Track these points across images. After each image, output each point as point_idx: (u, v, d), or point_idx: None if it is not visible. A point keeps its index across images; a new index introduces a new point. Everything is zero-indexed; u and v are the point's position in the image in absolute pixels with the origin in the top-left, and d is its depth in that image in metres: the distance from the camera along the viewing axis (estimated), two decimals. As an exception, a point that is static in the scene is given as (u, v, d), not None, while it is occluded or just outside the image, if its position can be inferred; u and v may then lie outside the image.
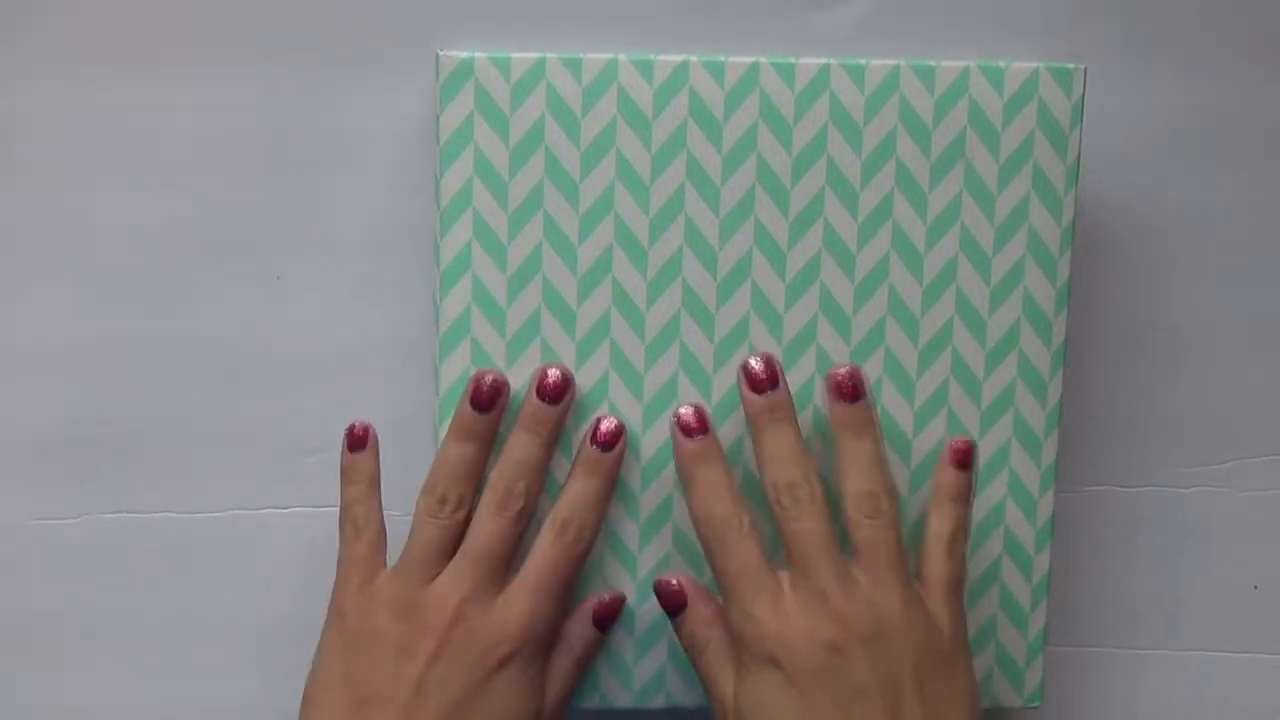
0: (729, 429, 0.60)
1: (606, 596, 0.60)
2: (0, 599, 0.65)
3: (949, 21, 0.64)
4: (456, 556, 0.57)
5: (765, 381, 0.57)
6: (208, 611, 0.65)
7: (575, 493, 0.58)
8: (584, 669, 0.60)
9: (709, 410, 0.59)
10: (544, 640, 0.57)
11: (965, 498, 0.59)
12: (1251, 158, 0.65)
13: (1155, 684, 0.68)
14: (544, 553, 0.58)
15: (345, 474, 0.60)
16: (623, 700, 0.62)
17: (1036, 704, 0.62)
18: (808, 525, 0.55)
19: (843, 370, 0.58)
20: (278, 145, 0.63)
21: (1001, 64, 0.60)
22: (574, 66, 0.59)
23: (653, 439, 0.60)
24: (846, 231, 0.60)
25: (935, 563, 0.58)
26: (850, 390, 0.58)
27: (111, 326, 0.64)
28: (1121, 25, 0.64)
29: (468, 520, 0.58)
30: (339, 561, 0.59)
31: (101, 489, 0.65)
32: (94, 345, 0.64)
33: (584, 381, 0.60)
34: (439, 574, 0.57)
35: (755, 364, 0.58)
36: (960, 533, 0.58)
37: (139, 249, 0.63)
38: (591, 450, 0.59)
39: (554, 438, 0.59)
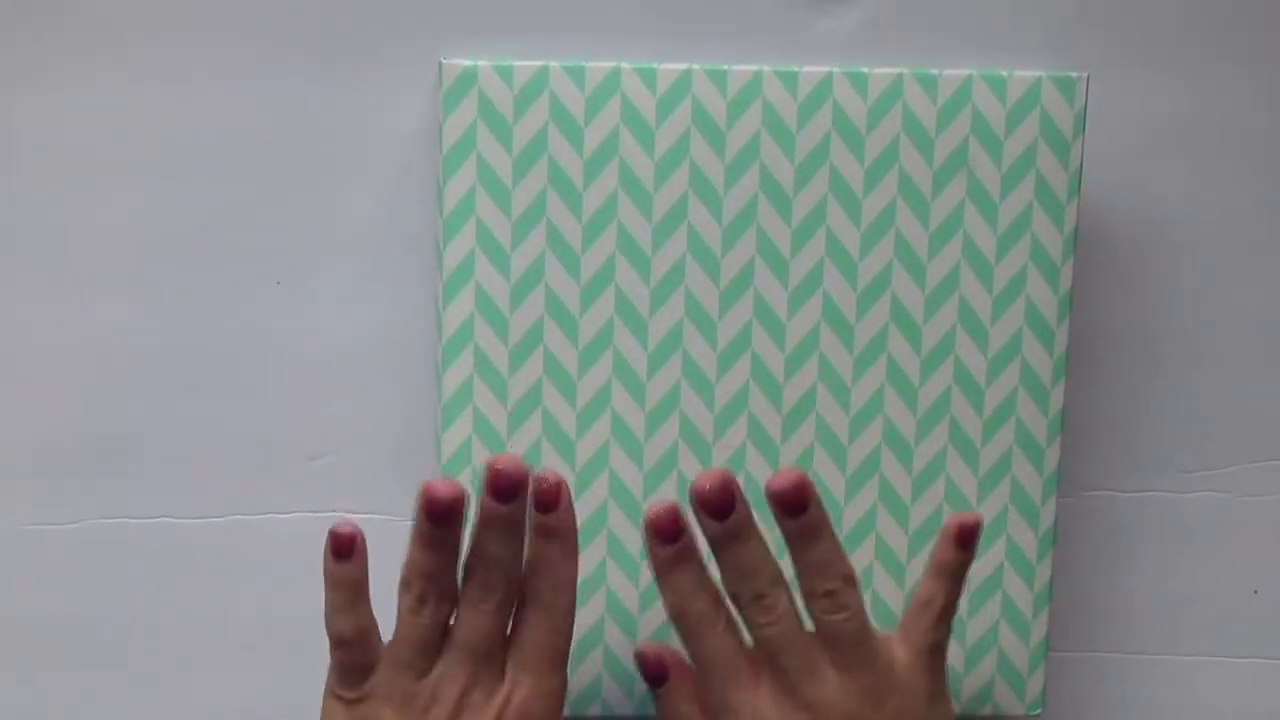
0: (732, 434, 0.60)
1: None
2: (0, 604, 0.65)
3: (951, 28, 0.64)
4: (448, 649, 0.55)
5: (720, 508, 0.54)
6: (208, 617, 0.65)
7: (540, 560, 0.55)
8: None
9: (680, 511, 0.54)
10: (555, 715, 0.56)
11: (963, 574, 0.57)
12: (1253, 165, 0.66)
13: (1155, 688, 0.68)
14: (534, 630, 0.55)
15: (329, 581, 0.56)
16: (624, 708, 0.62)
17: (1038, 711, 0.63)
18: (776, 630, 0.54)
19: (785, 483, 0.54)
20: (280, 152, 0.63)
21: (1004, 73, 0.60)
22: (577, 75, 0.59)
23: (655, 446, 0.60)
24: (849, 239, 0.60)
25: (920, 629, 0.56)
26: (797, 505, 0.54)
27: (111, 331, 0.64)
28: (1123, 34, 0.64)
29: (453, 605, 0.55)
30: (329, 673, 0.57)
31: (101, 494, 0.65)
32: (94, 350, 0.64)
33: (586, 388, 0.60)
34: (433, 667, 0.55)
35: (708, 487, 0.54)
36: (952, 606, 0.57)
37: (141, 255, 0.63)
38: (538, 516, 0.55)
39: (519, 525, 0.55)
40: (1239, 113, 0.65)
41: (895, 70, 0.59)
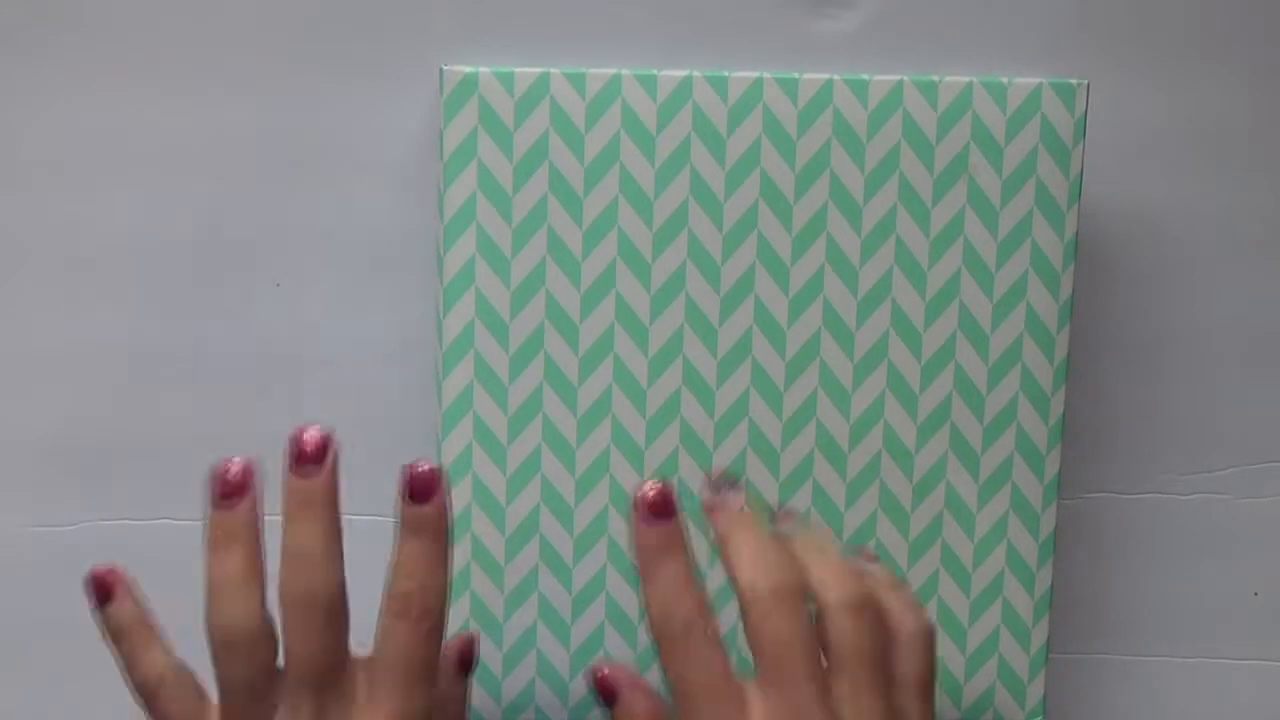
0: (733, 441, 0.60)
1: (457, 640, 0.55)
2: (0, 606, 0.65)
3: (951, 35, 0.64)
4: (284, 679, 0.49)
5: (729, 497, 0.51)
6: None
7: (404, 558, 0.50)
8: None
9: (675, 489, 0.50)
10: None
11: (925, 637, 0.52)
12: (1253, 170, 0.66)
13: (1155, 690, 0.68)
14: (395, 639, 0.49)
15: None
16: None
17: (1039, 718, 0.63)
18: (786, 626, 0.48)
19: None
20: (281, 156, 0.63)
21: (1004, 79, 0.60)
22: (578, 81, 0.59)
23: (655, 452, 0.60)
24: (849, 246, 0.60)
25: (911, 661, 0.51)
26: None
27: (111, 333, 0.64)
28: (1124, 40, 0.64)
29: (273, 637, 0.49)
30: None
31: (101, 496, 0.65)
32: (94, 351, 0.64)
33: (586, 395, 0.60)
34: (274, 712, 0.49)
35: (717, 484, 0.51)
36: (934, 633, 0.52)
37: (142, 257, 0.63)
38: (407, 508, 0.50)
39: (333, 511, 0.50)
40: (1240, 119, 0.65)
41: (895, 77, 0.59)
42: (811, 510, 0.61)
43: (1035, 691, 0.62)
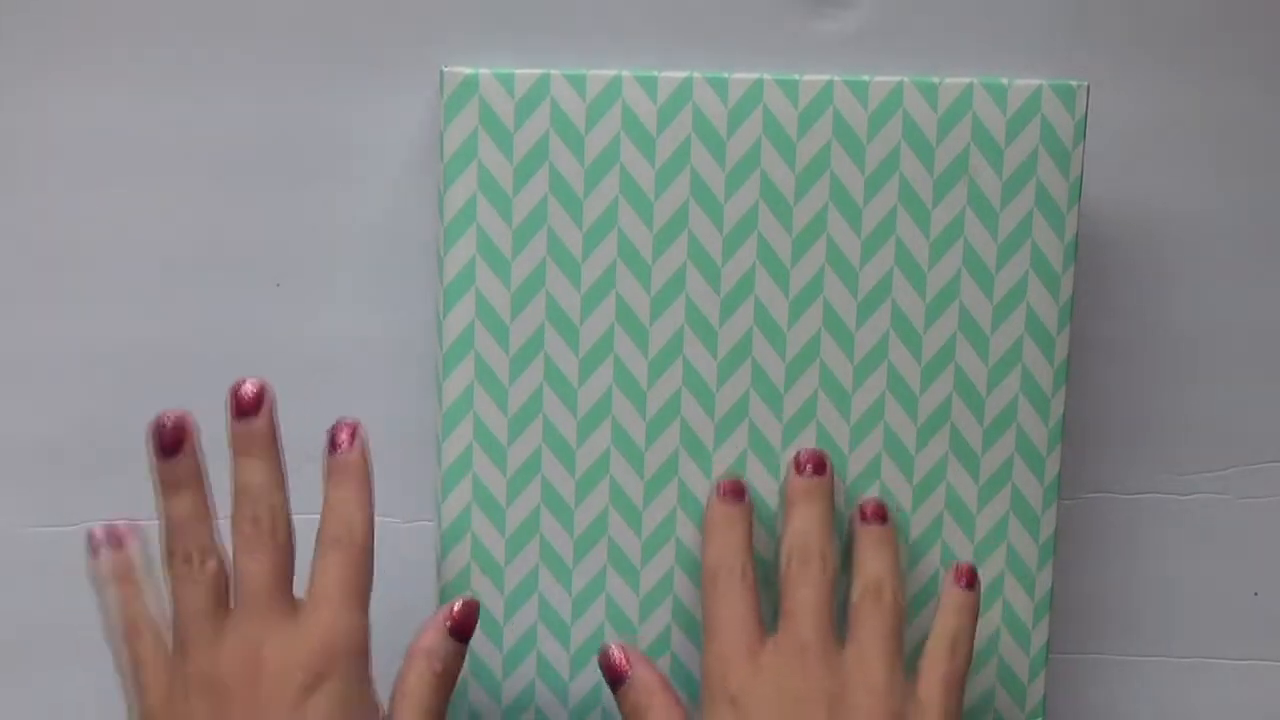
0: (733, 442, 0.60)
1: (458, 603, 0.57)
2: (0, 606, 0.65)
3: (951, 36, 0.64)
4: (235, 606, 0.54)
5: (812, 468, 0.59)
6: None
7: (331, 503, 0.56)
8: (451, 681, 0.56)
9: (747, 482, 0.60)
10: (354, 652, 0.54)
11: (973, 610, 0.59)
12: (1253, 171, 0.66)
13: (1155, 690, 0.69)
14: (329, 568, 0.54)
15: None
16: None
17: (1039, 718, 0.63)
18: (810, 592, 0.56)
19: (872, 502, 0.60)
20: (281, 157, 0.63)
21: (1004, 81, 0.60)
22: (578, 83, 0.59)
23: (655, 454, 0.60)
24: (849, 247, 0.60)
25: (937, 659, 0.58)
26: (876, 514, 0.60)
27: (112, 333, 0.64)
28: (1124, 42, 0.64)
29: (223, 565, 0.55)
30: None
31: (102, 496, 0.65)
32: (94, 352, 0.64)
33: (587, 396, 0.60)
34: (226, 627, 0.54)
35: (805, 453, 0.59)
36: (965, 635, 0.58)
37: (142, 258, 0.63)
38: (327, 459, 0.57)
39: (274, 451, 0.56)
40: (1240, 121, 0.65)
41: (896, 78, 0.59)
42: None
43: (1035, 692, 0.62)
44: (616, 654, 0.58)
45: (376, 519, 0.63)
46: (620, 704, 0.58)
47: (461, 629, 0.57)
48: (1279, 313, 0.67)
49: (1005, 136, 0.60)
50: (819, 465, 0.59)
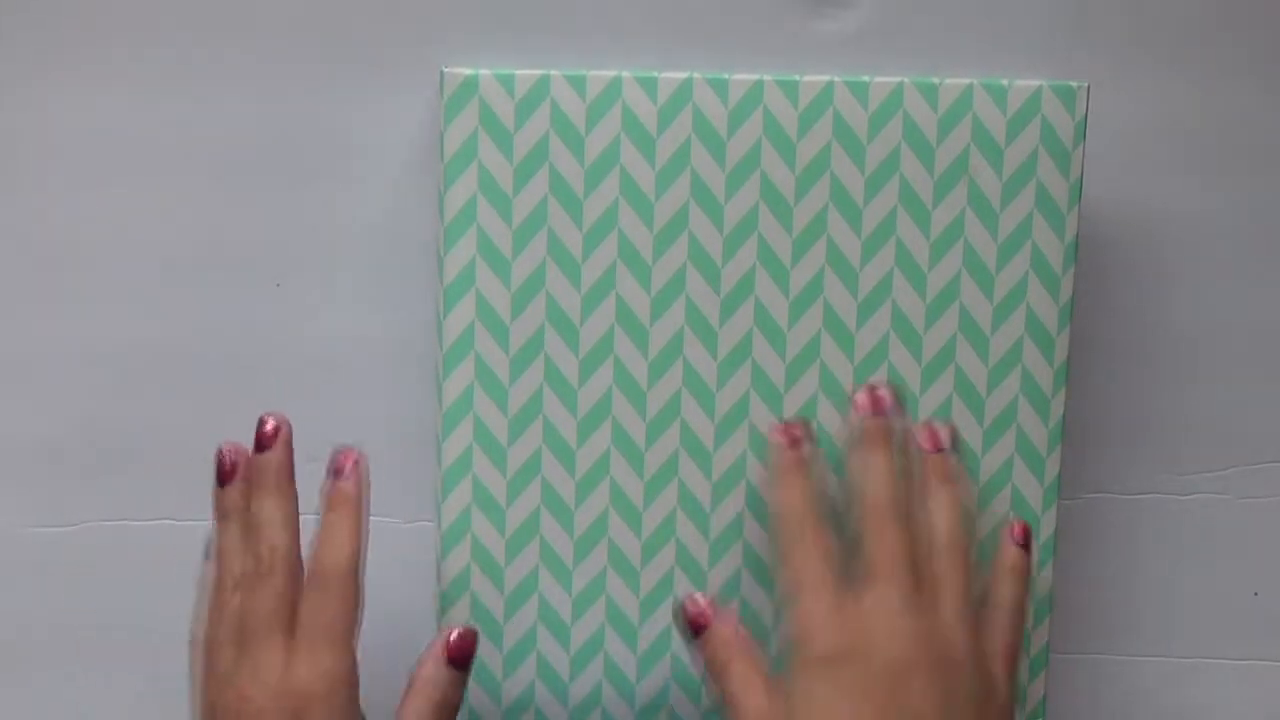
0: (734, 443, 0.60)
1: (455, 633, 0.58)
2: (0, 606, 0.65)
3: (951, 37, 0.64)
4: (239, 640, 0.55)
5: (884, 407, 0.57)
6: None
7: (322, 529, 0.56)
8: (452, 710, 0.57)
9: (810, 430, 0.58)
10: (335, 692, 0.54)
11: (1025, 573, 0.58)
12: (1253, 171, 0.66)
13: (1155, 690, 0.69)
14: (311, 605, 0.55)
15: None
16: (625, 718, 0.62)
17: (1039, 718, 0.63)
18: (898, 540, 0.54)
19: (931, 429, 0.58)
20: (282, 158, 0.63)
21: (1005, 81, 0.60)
22: (578, 84, 0.59)
23: (655, 454, 0.60)
24: (850, 248, 0.60)
25: (996, 630, 0.57)
26: (932, 442, 0.58)
27: (112, 333, 0.64)
28: (1124, 43, 0.64)
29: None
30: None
31: (102, 496, 0.65)
32: (94, 352, 0.64)
33: (587, 397, 0.60)
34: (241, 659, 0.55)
35: (872, 391, 0.57)
36: (1021, 604, 0.58)
37: (142, 258, 0.63)
38: (325, 484, 0.57)
39: (286, 488, 0.56)
40: (1239, 122, 0.65)
41: (896, 79, 0.59)
42: None
43: (1035, 692, 0.62)
44: (700, 602, 0.56)
45: (375, 518, 0.63)
46: (700, 651, 0.56)
47: (458, 658, 0.57)
48: (1279, 313, 0.67)
49: (1005, 137, 0.60)
50: (889, 404, 0.57)
